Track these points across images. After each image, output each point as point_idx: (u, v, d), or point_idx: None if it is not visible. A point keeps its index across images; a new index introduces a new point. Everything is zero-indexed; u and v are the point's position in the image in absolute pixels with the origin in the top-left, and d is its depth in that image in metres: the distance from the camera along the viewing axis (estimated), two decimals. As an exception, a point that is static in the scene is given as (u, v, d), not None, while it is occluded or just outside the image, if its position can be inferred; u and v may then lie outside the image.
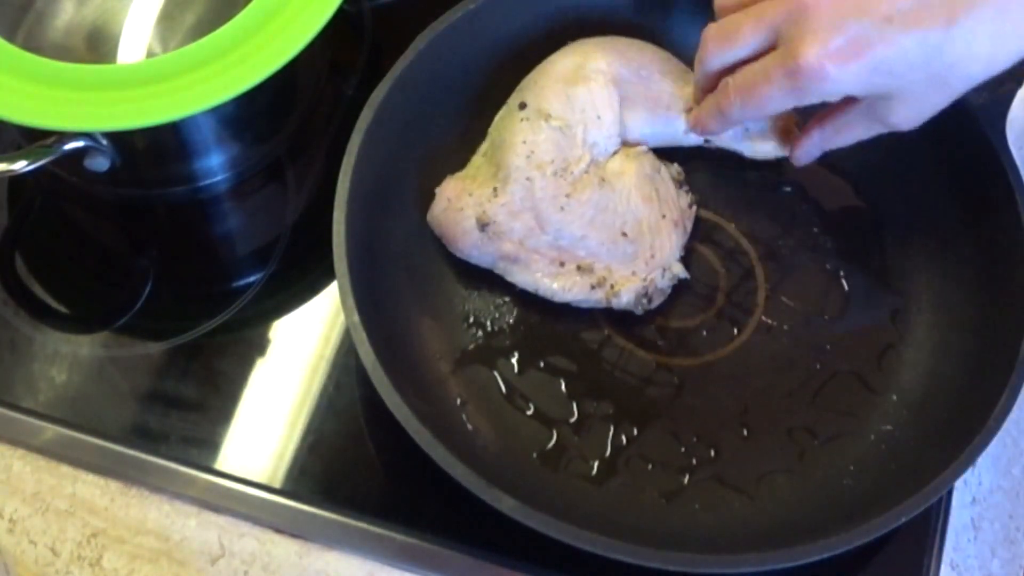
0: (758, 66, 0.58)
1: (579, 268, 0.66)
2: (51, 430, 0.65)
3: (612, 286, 0.66)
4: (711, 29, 0.60)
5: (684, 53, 0.71)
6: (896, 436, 0.63)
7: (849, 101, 0.59)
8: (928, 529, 0.62)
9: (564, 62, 0.70)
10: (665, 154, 0.71)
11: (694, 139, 0.71)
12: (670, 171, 0.70)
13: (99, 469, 0.64)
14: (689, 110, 0.70)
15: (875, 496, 0.59)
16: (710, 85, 0.63)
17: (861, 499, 0.60)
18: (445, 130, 0.70)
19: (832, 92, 0.56)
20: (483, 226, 0.65)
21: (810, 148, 0.64)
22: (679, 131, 0.70)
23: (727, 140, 0.71)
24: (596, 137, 0.68)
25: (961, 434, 0.58)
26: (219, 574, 0.62)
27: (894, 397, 0.65)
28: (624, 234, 0.66)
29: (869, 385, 0.66)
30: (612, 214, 0.67)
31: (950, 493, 0.63)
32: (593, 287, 0.66)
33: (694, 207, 0.70)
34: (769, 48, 0.57)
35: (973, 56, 0.54)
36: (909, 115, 0.58)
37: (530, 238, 0.66)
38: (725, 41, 0.60)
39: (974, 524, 0.64)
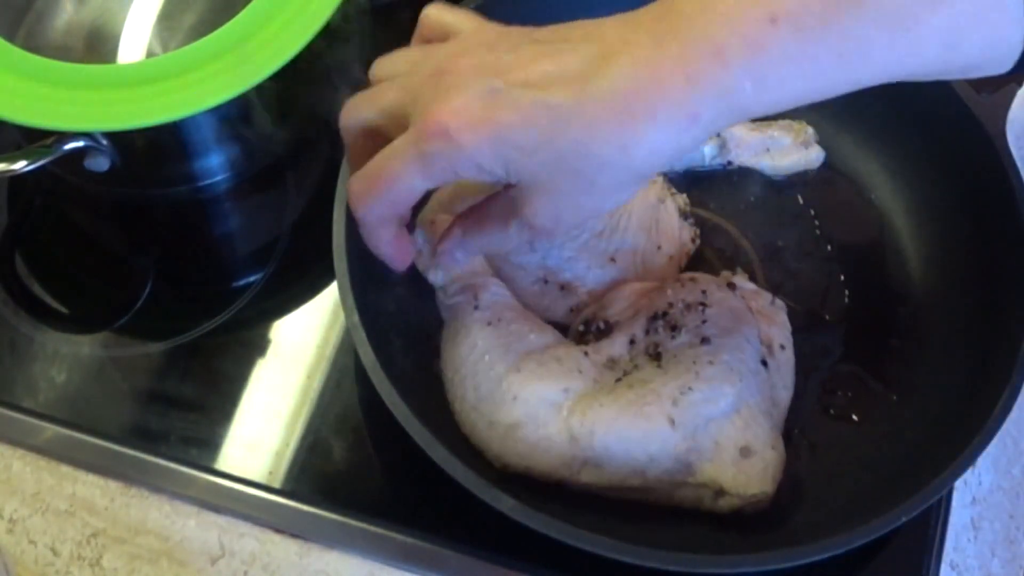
0: (386, 148, 0.50)
1: (563, 289, 0.66)
2: (51, 430, 0.65)
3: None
4: (357, 94, 0.54)
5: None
6: (896, 436, 0.63)
7: (493, 194, 0.54)
8: (928, 529, 0.62)
9: None
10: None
11: (718, 162, 0.71)
12: (676, 201, 0.69)
13: (99, 469, 0.64)
14: (718, 135, 0.70)
15: (875, 496, 0.59)
16: (354, 154, 0.55)
17: (861, 499, 0.60)
18: (445, 130, 0.70)
19: (461, 164, 0.48)
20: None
21: (451, 246, 0.56)
22: (704, 155, 0.70)
23: (748, 159, 0.71)
24: None
25: (961, 434, 0.58)
26: (219, 574, 0.62)
27: (894, 397, 0.65)
28: (613, 260, 0.66)
29: (869, 385, 0.66)
30: (605, 240, 0.66)
31: (950, 493, 0.63)
32: (572, 310, 0.66)
33: (697, 242, 0.69)
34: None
35: (602, 137, 0.47)
36: (547, 211, 0.50)
37: (516, 253, 0.66)
38: (364, 99, 0.53)
39: (974, 524, 0.64)
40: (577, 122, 0.47)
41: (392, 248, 0.55)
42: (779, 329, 0.63)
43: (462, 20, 0.54)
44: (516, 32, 0.51)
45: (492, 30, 0.53)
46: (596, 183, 0.49)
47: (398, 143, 0.50)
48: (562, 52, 0.48)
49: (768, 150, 0.71)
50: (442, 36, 0.54)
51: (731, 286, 0.64)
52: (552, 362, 0.60)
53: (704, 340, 0.60)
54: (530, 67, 0.48)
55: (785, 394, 0.62)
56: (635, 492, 0.59)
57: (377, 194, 0.51)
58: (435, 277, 0.64)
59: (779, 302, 0.65)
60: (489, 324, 0.62)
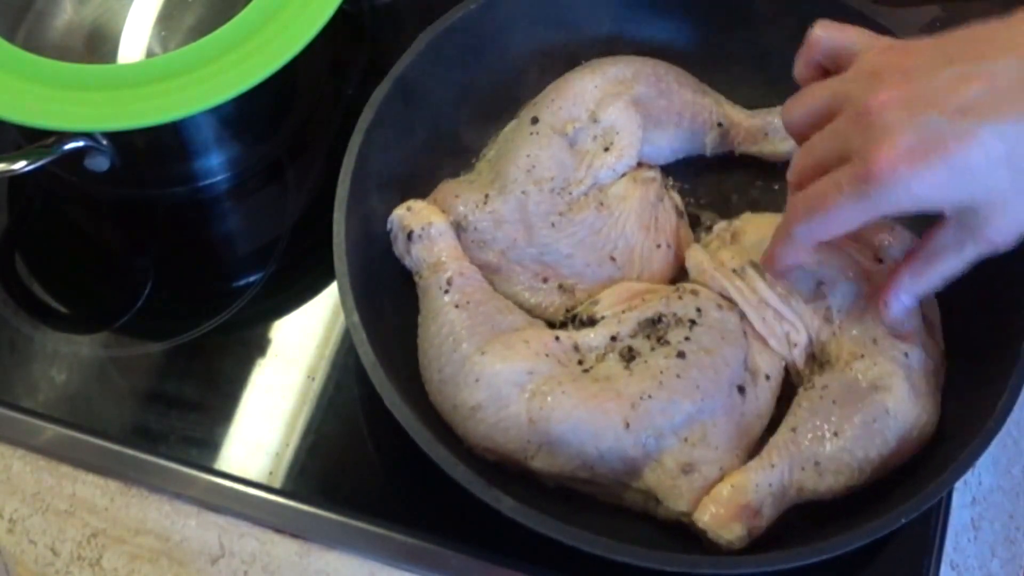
0: (827, 177, 0.53)
1: (561, 287, 0.66)
2: (51, 430, 0.65)
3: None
4: (795, 154, 0.57)
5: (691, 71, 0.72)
6: (896, 436, 0.63)
7: (935, 227, 0.54)
8: (928, 529, 0.62)
9: (583, 82, 0.69)
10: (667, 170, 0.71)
11: (719, 150, 0.71)
12: (675, 199, 0.69)
13: (99, 469, 0.64)
14: (719, 124, 0.70)
15: (875, 496, 0.59)
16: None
17: (861, 499, 0.60)
18: (445, 130, 0.70)
19: (909, 200, 0.50)
20: (459, 231, 0.65)
21: (901, 294, 0.58)
22: (704, 143, 0.70)
23: (748, 147, 0.71)
24: (606, 162, 0.67)
25: (961, 434, 0.58)
26: (219, 574, 0.62)
27: (895, 397, 0.65)
28: (612, 258, 0.66)
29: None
30: (604, 238, 0.66)
31: (950, 493, 0.63)
32: (568, 310, 0.65)
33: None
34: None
35: None
36: (1005, 226, 0.52)
37: (513, 250, 0.66)
38: (801, 156, 0.56)
39: (974, 524, 0.64)
40: None
41: (796, 262, 0.58)
42: (770, 359, 0.63)
43: (853, 39, 0.55)
44: (923, 50, 0.52)
45: (893, 50, 0.53)
46: None
47: (843, 179, 0.51)
48: (987, 71, 0.49)
49: (767, 135, 0.71)
50: (834, 58, 0.56)
51: (731, 302, 0.63)
52: (520, 344, 0.60)
53: (680, 354, 0.60)
54: (961, 92, 0.49)
55: (758, 423, 0.62)
56: (584, 485, 0.60)
57: (815, 218, 0.54)
58: (409, 262, 0.64)
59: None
60: (457, 306, 0.62)
